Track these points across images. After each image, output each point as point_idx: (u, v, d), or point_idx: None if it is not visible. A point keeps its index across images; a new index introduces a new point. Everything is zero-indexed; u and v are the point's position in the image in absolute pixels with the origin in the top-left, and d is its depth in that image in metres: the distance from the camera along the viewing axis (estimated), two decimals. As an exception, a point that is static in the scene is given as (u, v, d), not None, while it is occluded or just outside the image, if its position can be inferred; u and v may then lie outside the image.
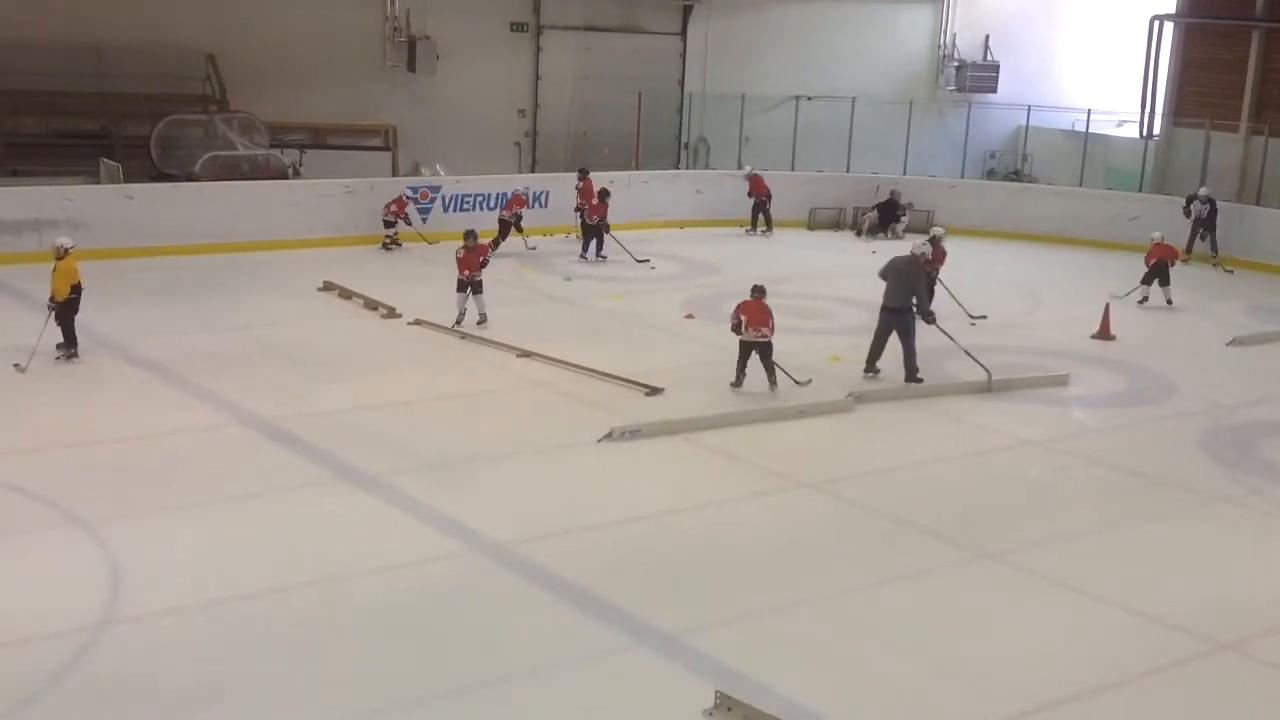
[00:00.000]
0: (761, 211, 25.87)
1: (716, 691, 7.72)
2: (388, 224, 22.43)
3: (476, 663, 8.49)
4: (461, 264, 17.16)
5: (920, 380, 15.33)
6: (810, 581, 9.97)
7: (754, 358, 14.76)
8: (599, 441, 12.75)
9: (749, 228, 25.99)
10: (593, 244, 22.52)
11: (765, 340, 14.71)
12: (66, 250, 15.03)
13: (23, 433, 12.48)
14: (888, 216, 26.49)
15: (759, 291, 14.93)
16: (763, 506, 11.53)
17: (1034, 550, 10.69)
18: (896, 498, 11.77)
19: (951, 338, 15.66)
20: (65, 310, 14.80)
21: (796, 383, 14.90)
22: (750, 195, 25.95)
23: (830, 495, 11.80)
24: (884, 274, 15.72)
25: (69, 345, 14.88)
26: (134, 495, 11.01)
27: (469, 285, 17.09)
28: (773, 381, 14.75)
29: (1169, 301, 20.33)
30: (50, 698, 7.82)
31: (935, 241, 18.48)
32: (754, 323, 14.69)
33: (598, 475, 12.10)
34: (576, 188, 23.31)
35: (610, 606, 9.26)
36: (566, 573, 9.77)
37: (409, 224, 22.67)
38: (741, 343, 14.85)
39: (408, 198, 22.90)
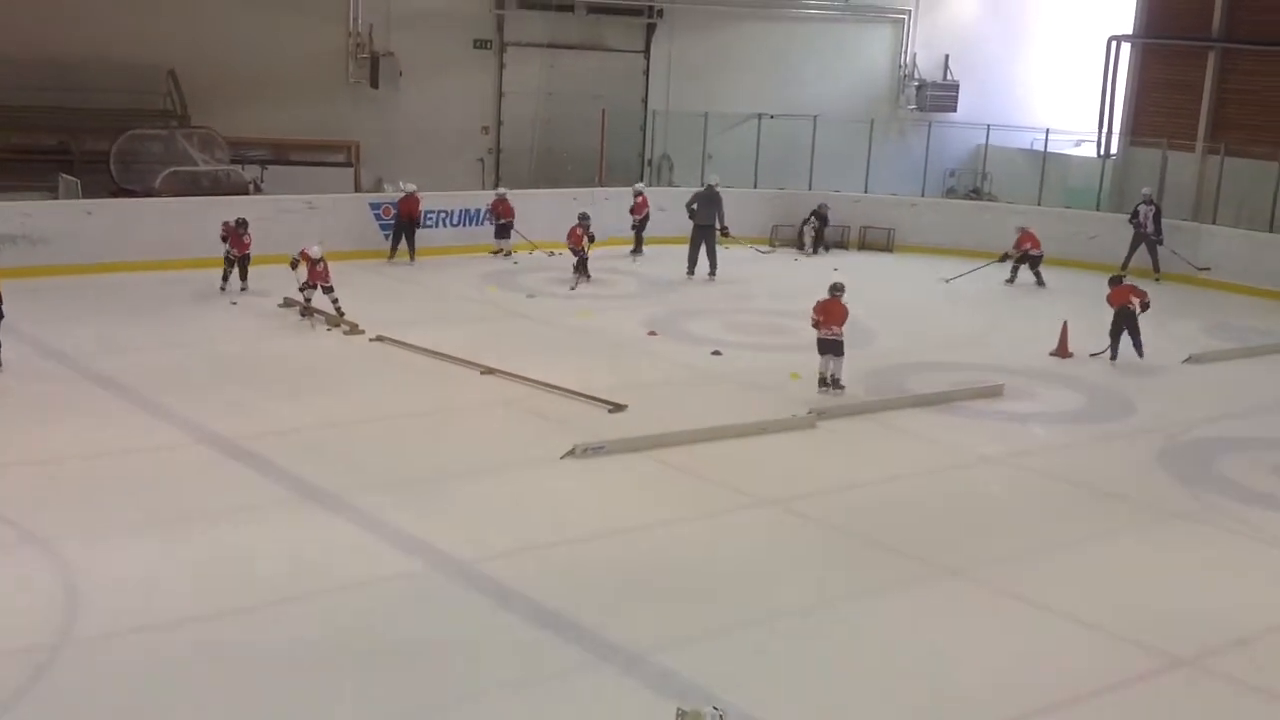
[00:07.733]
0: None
1: (678, 709, 7.69)
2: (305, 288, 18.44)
3: (438, 681, 8.46)
4: None
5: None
6: (772, 598, 9.99)
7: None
8: (562, 458, 12.74)
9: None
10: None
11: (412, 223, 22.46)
12: None
13: (-21, 450, 12.34)
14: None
15: (410, 196, 22.68)
16: (725, 523, 11.55)
17: (994, 566, 10.77)
18: (858, 514, 11.82)
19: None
20: None
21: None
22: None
23: (792, 512, 11.84)
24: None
25: None
26: (92, 514, 10.90)
27: None
28: (394, 253, 22.36)
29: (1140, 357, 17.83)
30: (5, 716, 7.73)
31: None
32: (403, 213, 22.44)
33: (561, 492, 12.08)
34: None
35: (572, 624, 9.25)
36: (529, 590, 9.76)
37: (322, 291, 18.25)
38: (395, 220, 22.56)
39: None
